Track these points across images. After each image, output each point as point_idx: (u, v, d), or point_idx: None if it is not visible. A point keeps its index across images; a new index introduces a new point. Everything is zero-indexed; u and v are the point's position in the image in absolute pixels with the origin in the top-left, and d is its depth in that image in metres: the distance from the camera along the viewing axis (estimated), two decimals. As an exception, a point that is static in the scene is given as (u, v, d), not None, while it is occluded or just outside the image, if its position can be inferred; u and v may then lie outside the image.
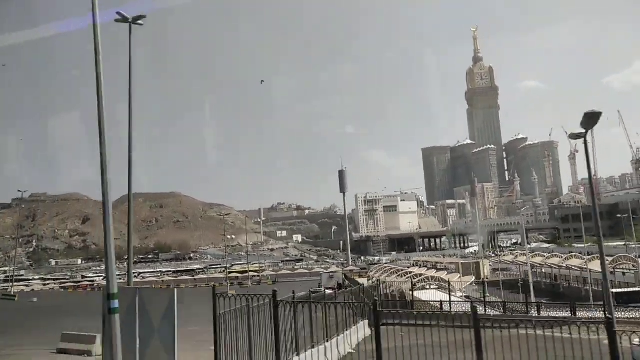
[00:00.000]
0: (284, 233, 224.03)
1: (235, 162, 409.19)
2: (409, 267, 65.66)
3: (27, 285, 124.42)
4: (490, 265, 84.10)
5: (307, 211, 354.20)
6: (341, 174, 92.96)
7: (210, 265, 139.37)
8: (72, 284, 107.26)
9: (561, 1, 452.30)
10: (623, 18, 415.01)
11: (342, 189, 79.57)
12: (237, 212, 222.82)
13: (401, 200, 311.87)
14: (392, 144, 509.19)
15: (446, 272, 61.30)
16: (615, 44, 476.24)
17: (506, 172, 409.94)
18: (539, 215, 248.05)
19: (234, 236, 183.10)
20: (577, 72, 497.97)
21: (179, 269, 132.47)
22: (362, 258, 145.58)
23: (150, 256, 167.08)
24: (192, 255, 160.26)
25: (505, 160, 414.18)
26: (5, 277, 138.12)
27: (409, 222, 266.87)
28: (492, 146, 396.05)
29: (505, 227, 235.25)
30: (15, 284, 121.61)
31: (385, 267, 65.08)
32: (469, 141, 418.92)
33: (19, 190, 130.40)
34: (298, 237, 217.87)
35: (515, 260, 75.35)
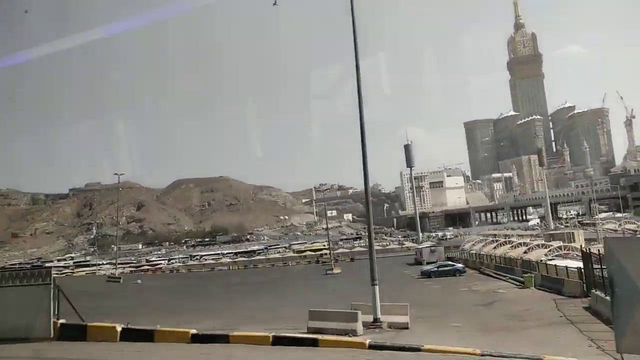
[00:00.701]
0: (334, 212, 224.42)
1: (276, 145, 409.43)
2: (495, 239, 64.23)
3: (99, 270, 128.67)
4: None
5: (350, 191, 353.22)
6: (407, 147, 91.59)
7: (269, 246, 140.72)
8: (148, 267, 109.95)
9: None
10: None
11: (409, 164, 78.13)
12: (286, 194, 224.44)
13: (447, 176, 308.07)
14: (432, 120, 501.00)
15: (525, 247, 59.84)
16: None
17: (553, 143, 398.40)
18: (596, 185, 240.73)
19: (286, 217, 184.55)
20: (619, 32, 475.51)
21: (238, 251, 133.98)
22: (422, 234, 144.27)
23: (207, 239, 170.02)
24: (248, 237, 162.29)
25: (552, 130, 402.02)
26: (74, 262, 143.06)
27: (458, 197, 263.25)
28: (538, 116, 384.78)
29: (559, 199, 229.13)
30: (85, 269, 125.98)
31: (475, 239, 64.18)
32: (512, 113, 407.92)
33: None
34: (348, 216, 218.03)
35: (624, 228, 73.05)
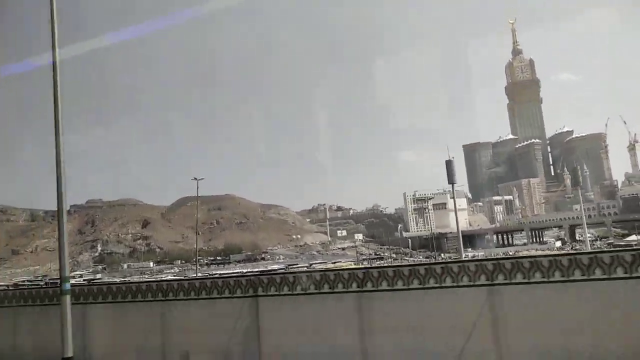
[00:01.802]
0: (344, 232, 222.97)
1: (276, 163, 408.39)
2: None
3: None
4: None
5: (351, 211, 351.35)
6: (449, 164, 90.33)
7: (289, 265, 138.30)
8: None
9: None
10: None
11: (450, 180, 77.34)
12: (294, 213, 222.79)
13: (450, 198, 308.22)
14: (430, 143, 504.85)
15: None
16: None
17: (551, 167, 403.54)
18: (603, 208, 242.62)
19: (299, 236, 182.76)
20: (608, 61, 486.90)
21: (256, 270, 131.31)
22: (442, 255, 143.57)
23: (218, 258, 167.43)
24: (264, 256, 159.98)
25: (549, 154, 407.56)
26: (85, 280, 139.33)
27: (464, 218, 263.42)
28: (537, 140, 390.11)
29: (576, 222, 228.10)
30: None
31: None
32: (511, 136, 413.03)
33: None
34: (359, 236, 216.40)
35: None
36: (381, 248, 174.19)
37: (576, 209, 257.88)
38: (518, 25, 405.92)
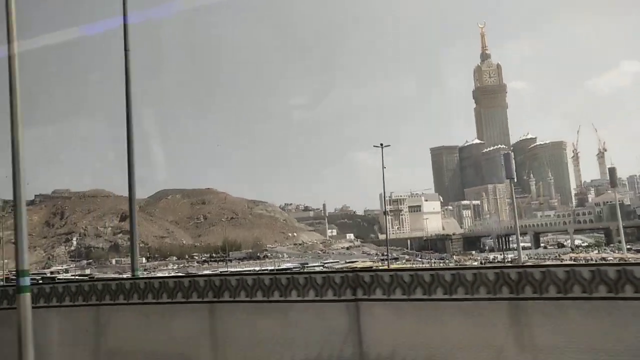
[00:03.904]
0: (334, 232, 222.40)
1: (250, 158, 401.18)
2: None
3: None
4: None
5: (311, 212, 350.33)
6: (507, 157, 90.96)
7: (303, 264, 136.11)
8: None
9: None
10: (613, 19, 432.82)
11: (509, 175, 77.23)
12: (281, 209, 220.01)
13: (425, 200, 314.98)
14: (397, 144, 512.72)
15: None
16: (599, 46, 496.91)
17: (514, 173, 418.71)
18: (578, 214, 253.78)
19: (295, 234, 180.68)
20: (560, 74, 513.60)
21: (277, 268, 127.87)
22: (454, 257, 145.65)
23: (214, 255, 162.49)
24: (266, 253, 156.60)
25: (513, 160, 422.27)
26: (72, 275, 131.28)
27: (447, 222, 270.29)
28: (503, 146, 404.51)
29: (580, 227, 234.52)
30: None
31: None
32: (477, 141, 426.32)
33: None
34: (351, 236, 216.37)
35: None
36: (381, 247, 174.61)
37: (543, 215, 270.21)
38: (487, 30, 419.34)
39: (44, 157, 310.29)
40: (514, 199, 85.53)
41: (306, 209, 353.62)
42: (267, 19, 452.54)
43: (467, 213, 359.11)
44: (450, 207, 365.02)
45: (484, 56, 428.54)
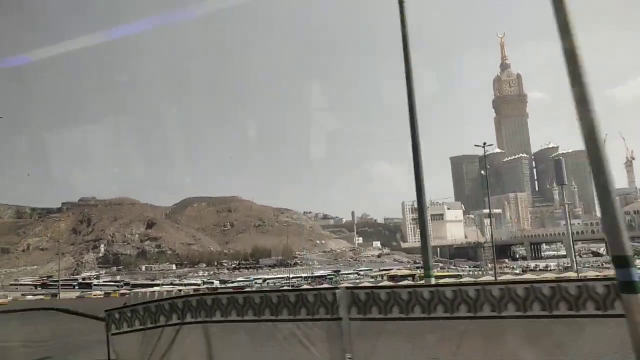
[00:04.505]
0: (360, 240, 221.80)
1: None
2: None
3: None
4: None
5: (332, 220, 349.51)
6: (558, 163, 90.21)
7: (336, 271, 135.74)
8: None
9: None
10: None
11: (560, 181, 77.00)
12: (306, 217, 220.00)
13: (447, 209, 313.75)
14: (405, 153, 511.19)
15: None
16: (619, 56, 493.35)
17: (536, 182, 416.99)
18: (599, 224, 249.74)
19: (323, 241, 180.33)
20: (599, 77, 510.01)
21: (300, 275, 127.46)
22: (488, 265, 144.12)
23: (244, 261, 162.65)
24: (297, 261, 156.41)
25: (534, 169, 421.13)
26: (115, 282, 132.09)
27: (472, 230, 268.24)
28: (525, 155, 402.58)
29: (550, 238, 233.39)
30: (141, 289, 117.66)
31: None
32: (498, 150, 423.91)
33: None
34: (377, 244, 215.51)
35: None
36: (409, 256, 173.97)
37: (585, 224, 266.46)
38: (507, 40, 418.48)
39: (71, 163, 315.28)
40: (566, 207, 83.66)
41: (325, 217, 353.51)
42: (286, 26, 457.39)
43: (488, 222, 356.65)
44: (471, 216, 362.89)
45: (504, 66, 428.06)
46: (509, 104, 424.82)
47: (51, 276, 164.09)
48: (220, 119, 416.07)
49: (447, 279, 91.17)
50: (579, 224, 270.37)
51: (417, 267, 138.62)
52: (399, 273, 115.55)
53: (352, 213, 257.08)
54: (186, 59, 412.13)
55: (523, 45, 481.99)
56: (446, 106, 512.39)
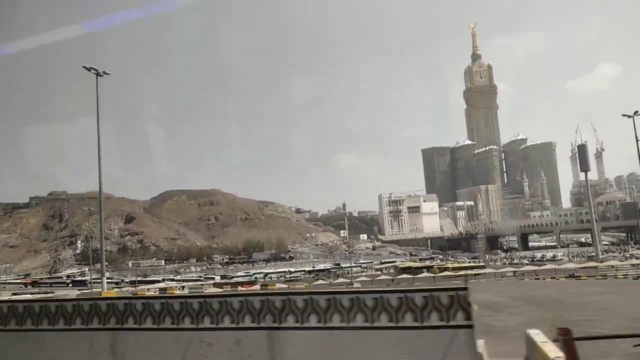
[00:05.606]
0: (345, 232, 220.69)
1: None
2: None
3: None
4: None
5: (307, 214, 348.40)
6: (581, 149, 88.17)
7: (336, 264, 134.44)
8: (232, 283, 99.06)
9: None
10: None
11: (584, 167, 75.88)
12: (290, 210, 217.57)
13: (423, 201, 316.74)
14: (384, 146, 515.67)
15: None
16: (578, 49, 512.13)
17: (504, 174, 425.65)
18: (581, 215, 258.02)
19: (313, 234, 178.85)
20: (542, 77, 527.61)
21: (314, 268, 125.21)
22: (486, 257, 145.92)
23: (238, 256, 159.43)
24: (291, 255, 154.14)
25: (503, 161, 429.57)
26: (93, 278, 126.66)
27: (448, 222, 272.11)
28: (495, 147, 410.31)
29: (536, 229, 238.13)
30: (147, 286, 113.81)
31: None
32: (468, 142, 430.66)
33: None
34: (364, 237, 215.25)
35: None
36: (405, 248, 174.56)
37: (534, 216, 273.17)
38: (478, 30, 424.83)
39: (40, 156, 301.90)
40: (590, 193, 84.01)
41: (298, 210, 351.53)
42: (266, 20, 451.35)
43: (461, 214, 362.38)
44: (445, 208, 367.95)
45: (475, 56, 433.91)
46: (479, 94, 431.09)
47: (29, 274, 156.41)
48: (197, 111, 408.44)
49: (470, 270, 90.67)
50: (547, 215, 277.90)
51: (422, 259, 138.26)
52: (401, 265, 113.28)
53: (344, 205, 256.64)
54: (166, 50, 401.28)
55: (494, 37, 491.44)
56: (419, 97, 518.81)
